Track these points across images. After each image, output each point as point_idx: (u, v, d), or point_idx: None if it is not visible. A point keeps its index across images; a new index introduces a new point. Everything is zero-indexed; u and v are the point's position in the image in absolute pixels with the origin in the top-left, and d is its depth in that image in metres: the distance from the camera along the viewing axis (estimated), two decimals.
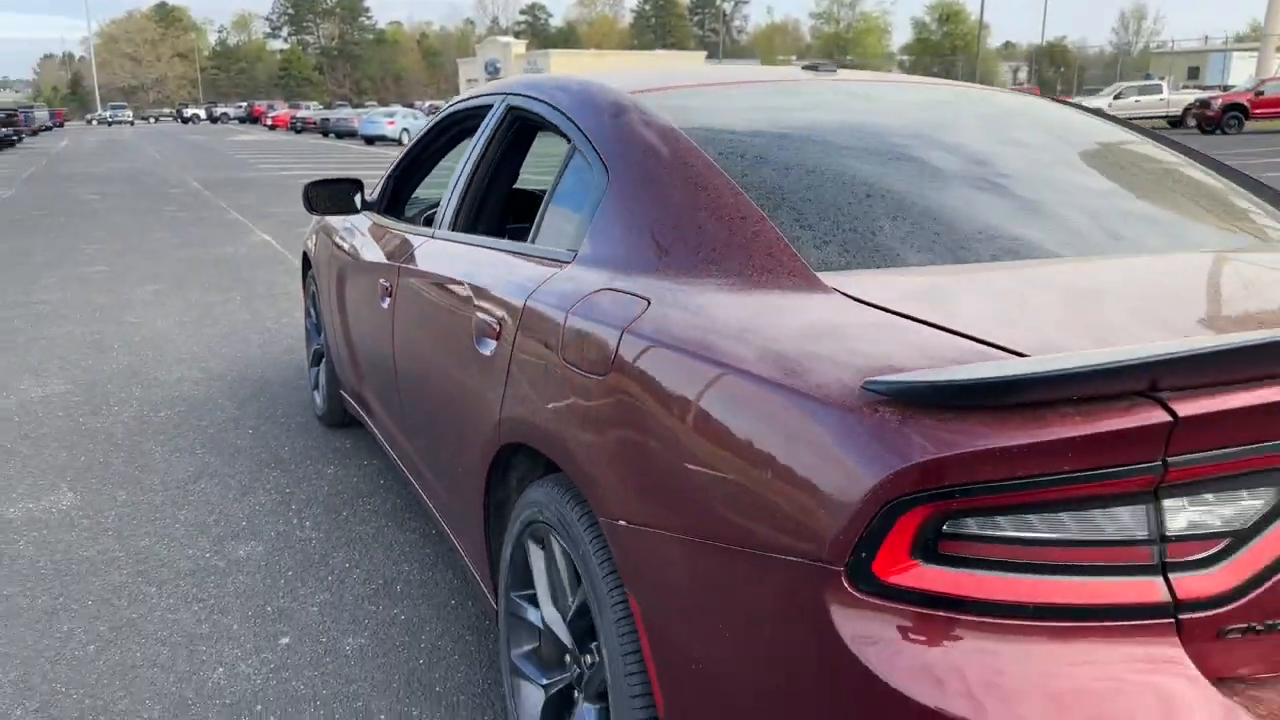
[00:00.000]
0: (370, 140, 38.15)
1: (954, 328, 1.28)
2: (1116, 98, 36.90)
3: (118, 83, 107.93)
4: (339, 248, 3.76)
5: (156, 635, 2.69)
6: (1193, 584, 1.10)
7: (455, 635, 2.70)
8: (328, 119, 46.02)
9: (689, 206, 1.73)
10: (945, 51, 67.02)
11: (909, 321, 1.33)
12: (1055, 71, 70.74)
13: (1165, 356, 1.04)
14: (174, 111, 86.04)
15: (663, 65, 55.33)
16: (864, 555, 1.13)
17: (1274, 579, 1.12)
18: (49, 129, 59.10)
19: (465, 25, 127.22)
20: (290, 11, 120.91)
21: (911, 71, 71.33)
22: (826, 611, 1.15)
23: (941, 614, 1.10)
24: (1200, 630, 1.10)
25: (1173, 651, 1.09)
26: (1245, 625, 1.12)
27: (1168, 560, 1.10)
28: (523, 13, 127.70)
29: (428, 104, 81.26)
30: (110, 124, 70.74)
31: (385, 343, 2.99)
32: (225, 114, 74.75)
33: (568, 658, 1.88)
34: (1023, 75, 70.70)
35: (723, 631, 1.33)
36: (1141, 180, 2.18)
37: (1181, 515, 1.10)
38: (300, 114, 54.39)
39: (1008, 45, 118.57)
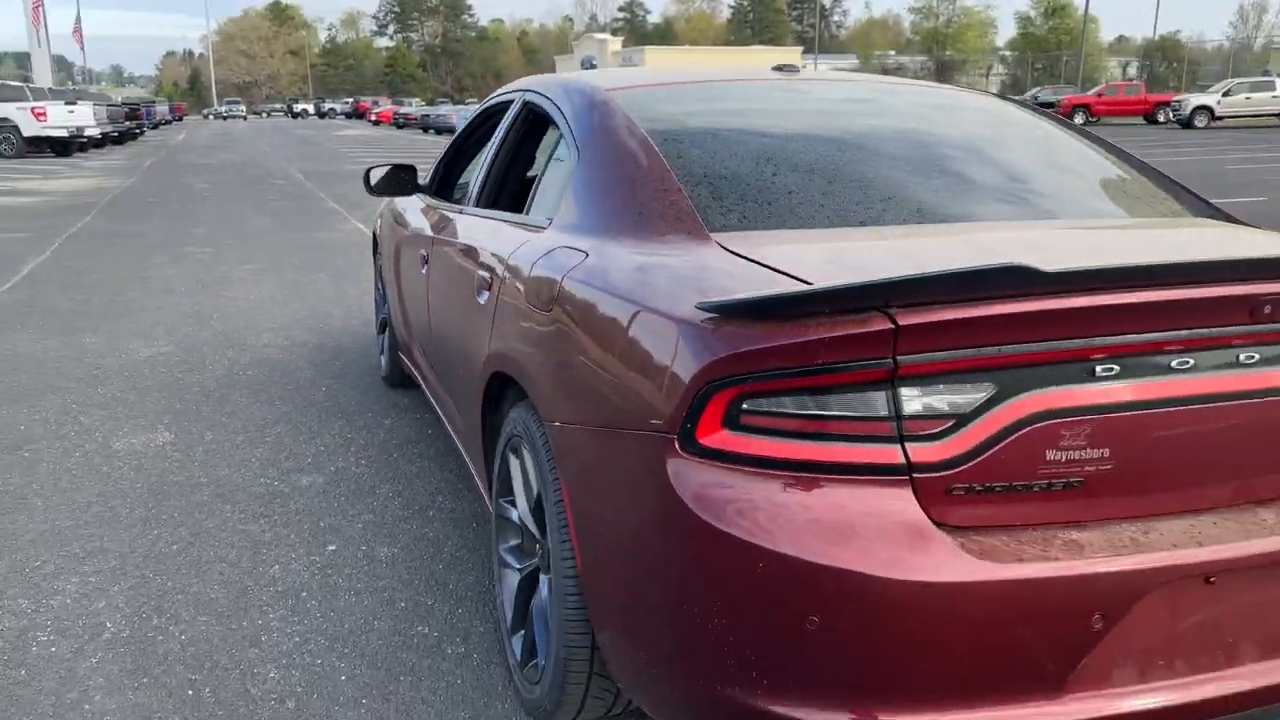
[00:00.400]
0: None
1: (781, 268, 1.70)
2: (1225, 94, 35.68)
3: (233, 79, 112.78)
4: (397, 226, 4.29)
5: (228, 541, 3.25)
6: (923, 452, 1.50)
7: (472, 549, 3.18)
8: (428, 115, 47.41)
9: (629, 181, 2.17)
10: (1051, 47, 65.31)
11: (755, 265, 1.75)
12: (1167, 67, 68.24)
13: (886, 282, 1.44)
14: (285, 107, 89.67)
15: (742, 61, 55.24)
16: (689, 426, 1.56)
17: (989, 453, 1.50)
18: (169, 123, 62.07)
19: (564, 22, 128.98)
20: (396, 10, 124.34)
21: (1013, 68, 69.52)
22: (665, 467, 1.58)
23: (740, 467, 1.52)
24: (930, 487, 1.50)
25: (906, 499, 1.49)
26: (967, 486, 1.51)
27: (905, 433, 1.50)
28: (621, 9, 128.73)
29: None
30: (225, 118, 74.25)
31: (424, 303, 3.50)
32: (332, 109, 77.65)
33: (537, 546, 2.34)
34: (1133, 70, 68.37)
35: (610, 495, 1.77)
36: (1008, 163, 2.53)
37: (916, 400, 1.50)
38: (403, 110, 56.15)
39: (1121, 39, 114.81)
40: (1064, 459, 1.52)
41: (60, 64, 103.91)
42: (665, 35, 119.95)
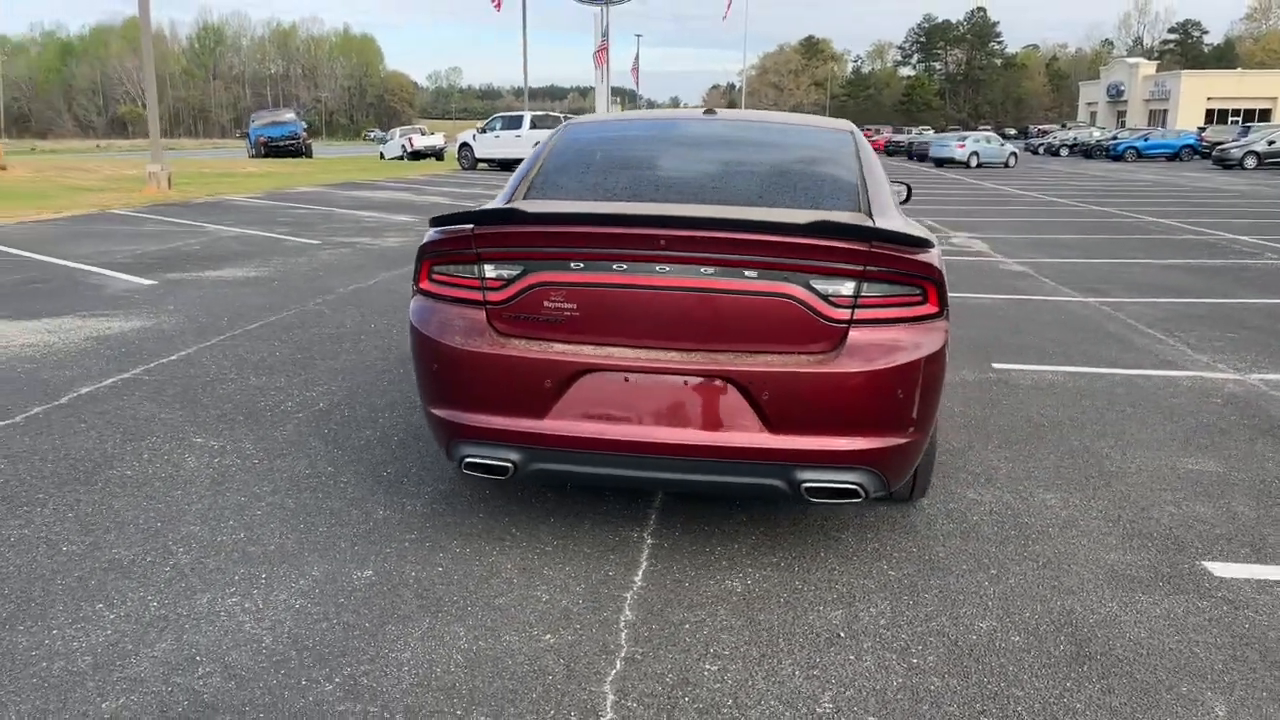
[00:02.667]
0: (940, 163, 39.79)
1: (501, 208, 3.40)
2: None
3: (761, 109, 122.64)
4: None
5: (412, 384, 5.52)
6: (490, 296, 3.17)
7: None
8: (911, 142, 48.60)
9: (520, 171, 3.99)
10: None
11: (497, 208, 3.48)
12: None
13: (470, 213, 3.14)
14: None
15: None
16: (417, 280, 3.38)
17: (518, 300, 3.12)
18: None
19: (1101, 46, 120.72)
20: (921, 39, 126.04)
21: None
22: (411, 301, 3.43)
23: (429, 299, 3.32)
24: (493, 313, 3.17)
25: (482, 317, 3.18)
26: (509, 314, 3.15)
27: (484, 287, 3.18)
28: (1171, 30, 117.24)
29: (1037, 129, 79.46)
30: None
31: None
32: None
33: None
34: None
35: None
36: (749, 173, 3.82)
37: (489, 271, 3.17)
38: (894, 138, 57.82)
39: None
40: (553, 307, 3.10)
41: (630, 97, 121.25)
42: (1223, 57, 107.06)
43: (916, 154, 45.85)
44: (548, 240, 3.10)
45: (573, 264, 3.09)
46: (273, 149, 39.20)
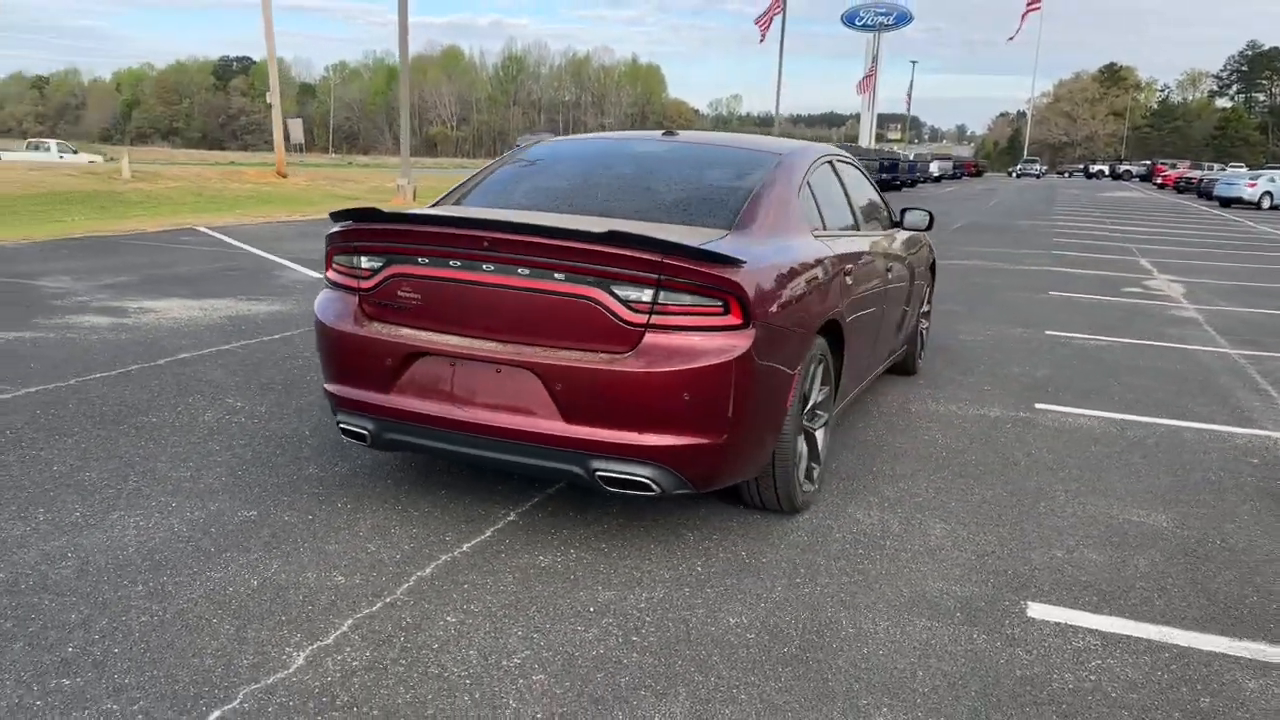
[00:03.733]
0: (1226, 203, 36.10)
1: (408, 214, 3.89)
2: None
3: (1050, 139, 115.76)
4: None
5: None
6: (362, 285, 3.66)
7: None
8: (1201, 179, 44.38)
9: (464, 180, 4.46)
10: None
11: (364, 208, 3.95)
12: None
13: (352, 210, 3.64)
14: (1084, 167, 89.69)
15: None
16: (326, 269, 3.94)
17: (379, 289, 3.59)
18: (954, 177, 64.36)
19: None
20: (1243, 68, 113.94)
21: None
22: (322, 291, 3.99)
23: (332, 289, 3.86)
24: (363, 299, 3.66)
25: (355, 302, 3.69)
26: (375, 301, 3.63)
27: (359, 276, 3.68)
28: None
29: None
30: (1019, 176, 77.62)
31: None
32: (1127, 170, 75.70)
33: None
34: None
35: None
36: (647, 187, 4.05)
37: (364, 262, 3.66)
38: (1188, 174, 52.90)
39: None
40: (404, 295, 3.54)
41: (912, 124, 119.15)
42: None
43: (1203, 192, 41.78)
44: (400, 237, 3.56)
45: (420, 259, 3.53)
46: None
